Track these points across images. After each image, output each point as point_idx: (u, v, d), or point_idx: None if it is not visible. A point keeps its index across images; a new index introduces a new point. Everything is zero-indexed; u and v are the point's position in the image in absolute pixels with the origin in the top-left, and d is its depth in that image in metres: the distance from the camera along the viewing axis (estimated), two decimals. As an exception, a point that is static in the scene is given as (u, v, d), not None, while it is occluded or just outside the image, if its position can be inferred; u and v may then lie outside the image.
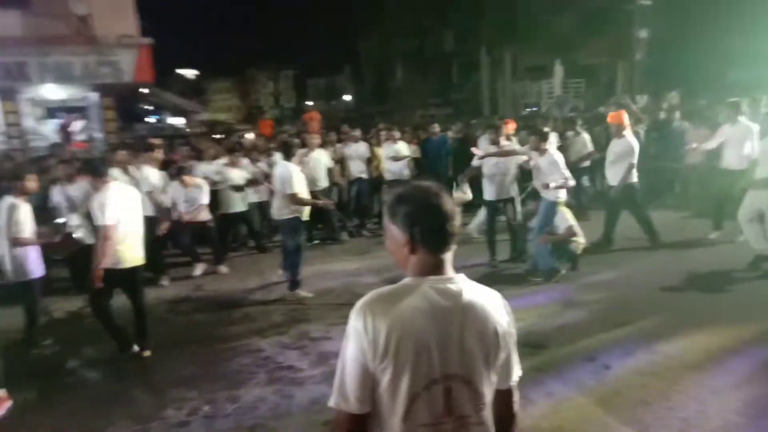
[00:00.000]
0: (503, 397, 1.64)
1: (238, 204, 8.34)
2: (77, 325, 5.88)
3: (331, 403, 1.52)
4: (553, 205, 6.48)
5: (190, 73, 59.49)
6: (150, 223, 6.34)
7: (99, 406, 4.14)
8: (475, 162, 7.28)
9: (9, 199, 4.87)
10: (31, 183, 5.06)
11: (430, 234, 1.53)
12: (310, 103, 50.99)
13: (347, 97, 51.26)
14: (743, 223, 6.48)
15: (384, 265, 7.11)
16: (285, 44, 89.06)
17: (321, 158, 8.62)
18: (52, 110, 17.10)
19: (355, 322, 1.48)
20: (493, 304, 1.57)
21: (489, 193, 7.08)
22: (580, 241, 6.64)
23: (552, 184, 6.25)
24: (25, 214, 4.90)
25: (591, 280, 6.41)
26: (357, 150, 9.44)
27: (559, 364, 4.37)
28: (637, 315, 5.26)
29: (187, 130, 27.76)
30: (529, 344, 4.62)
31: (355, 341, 1.47)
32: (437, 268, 1.55)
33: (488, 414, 1.57)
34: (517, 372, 1.65)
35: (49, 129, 15.68)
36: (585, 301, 5.73)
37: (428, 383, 1.47)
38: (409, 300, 1.48)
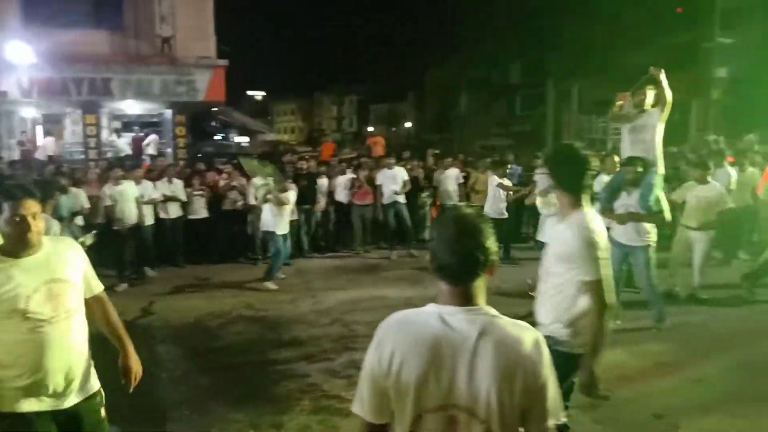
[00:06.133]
0: None
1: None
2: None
3: (353, 407, 1.57)
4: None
5: (258, 94, 61.77)
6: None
7: (146, 415, 4.13)
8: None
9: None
10: None
11: (445, 261, 1.50)
12: (371, 128, 51.68)
13: (408, 124, 51.60)
14: None
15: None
16: (351, 70, 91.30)
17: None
18: (127, 124, 18.02)
19: (374, 338, 1.56)
20: (522, 343, 1.45)
21: (618, 233, 5.91)
22: None
23: None
24: None
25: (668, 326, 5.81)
26: (394, 174, 9.81)
27: (621, 418, 4.06)
28: (717, 372, 4.81)
29: (250, 149, 28.60)
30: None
31: (370, 356, 1.54)
32: (458, 298, 1.50)
33: None
34: (553, 418, 1.48)
35: (124, 142, 16.52)
36: (656, 351, 5.28)
37: (432, 408, 1.45)
38: (420, 326, 1.49)
